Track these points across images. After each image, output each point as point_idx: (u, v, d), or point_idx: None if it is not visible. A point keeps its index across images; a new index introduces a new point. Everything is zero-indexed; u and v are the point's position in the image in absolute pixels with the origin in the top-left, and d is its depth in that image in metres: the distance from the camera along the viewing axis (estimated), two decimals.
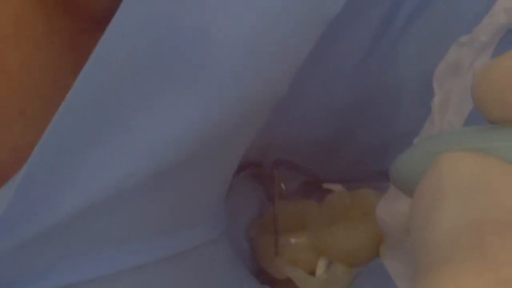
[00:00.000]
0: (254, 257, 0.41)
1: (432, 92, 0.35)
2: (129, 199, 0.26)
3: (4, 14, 0.24)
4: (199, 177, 0.29)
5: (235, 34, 0.26)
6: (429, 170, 0.20)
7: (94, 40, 0.23)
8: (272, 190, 0.39)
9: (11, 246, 0.25)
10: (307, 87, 0.36)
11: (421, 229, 0.19)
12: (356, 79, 0.36)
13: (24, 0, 0.25)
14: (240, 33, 0.26)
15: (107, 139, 0.25)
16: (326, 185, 0.40)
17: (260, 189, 0.41)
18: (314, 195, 0.41)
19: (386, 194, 0.34)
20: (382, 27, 0.35)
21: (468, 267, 0.17)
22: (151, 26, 0.24)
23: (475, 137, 0.20)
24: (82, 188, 0.25)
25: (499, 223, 0.17)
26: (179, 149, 0.26)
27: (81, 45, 0.27)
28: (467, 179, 0.18)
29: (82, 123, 0.24)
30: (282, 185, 0.41)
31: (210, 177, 0.30)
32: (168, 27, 0.24)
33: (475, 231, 0.17)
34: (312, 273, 0.38)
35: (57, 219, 0.25)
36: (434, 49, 0.35)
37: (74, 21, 0.27)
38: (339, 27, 0.34)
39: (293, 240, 0.39)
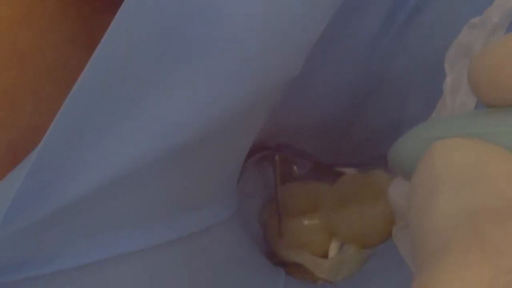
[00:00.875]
0: (266, 240, 0.41)
1: (443, 74, 0.35)
2: (141, 180, 0.26)
3: None
4: (210, 159, 0.29)
5: (246, 11, 0.25)
6: (423, 159, 0.20)
7: (106, 21, 0.23)
8: (281, 173, 0.39)
9: (24, 226, 0.25)
10: (317, 67, 0.36)
11: (419, 219, 0.19)
12: (367, 60, 0.36)
13: None
14: (251, 10, 0.26)
15: (119, 120, 0.25)
16: (338, 168, 0.40)
17: (271, 172, 0.41)
18: (326, 178, 0.41)
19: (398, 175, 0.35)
20: (393, 9, 0.35)
21: (469, 257, 0.16)
22: (162, 6, 0.24)
23: (470, 122, 0.20)
24: (94, 169, 0.25)
25: (498, 211, 0.17)
26: (191, 130, 0.26)
27: (93, 26, 0.27)
28: (462, 167, 0.18)
29: (94, 105, 0.24)
30: (295, 168, 0.41)
31: (222, 158, 0.30)
32: (178, 6, 0.24)
33: (473, 221, 0.17)
34: (325, 255, 0.39)
35: (69, 200, 0.25)
36: (444, 32, 0.35)
37: (86, 2, 0.27)
38: (350, 8, 0.34)
39: (306, 222, 0.39)
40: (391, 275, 0.35)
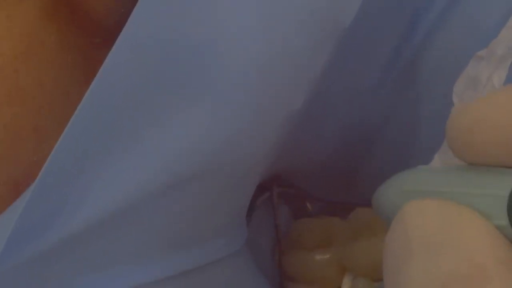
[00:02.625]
0: (279, 273, 0.41)
1: (451, 107, 0.35)
2: (142, 213, 0.27)
3: (16, 32, 0.25)
4: (213, 191, 0.29)
5: (245, 47, 0.26)
6: (395, 220, 0.20)
7: (107, 56, 0.24)
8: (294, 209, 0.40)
9: (22, 261, 0.25)
10: (324, 104, 0.36)
11: (392, 284, 0.19)
12: (374, 96, 0.36)
13: (36, 17, 0.26)
14: (249, 47, 0.26)
15: (118, 152, 0.25)
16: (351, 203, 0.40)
17: (286, 207, 0.42)
18: (339, 213, 0.41)
19: None
20: (400, 44, 0.36)
21: None
22: (160, 40, 0.24)
23: (449, 180, 0.20)
24: (93, 201, 0.25)
25: (467, 279, 0.17)
26: (192, 162, 0.27)
27: (93, 60, 0.27)
28: (433, 231, 0.18)
29: (92, 137, 0.25)
30: (308, 204, 0.41)
31: (226, 191, 0.30)
32: (177, 41, 0.25)
33: None
34: None
35: (68, 234, 0.25)
36: (452, 65, 0.35)
37: (86, 37, 0.27)
38: (356, 44, 0.35)
39: (318, 257, 0.39)
40: None
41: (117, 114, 0.25)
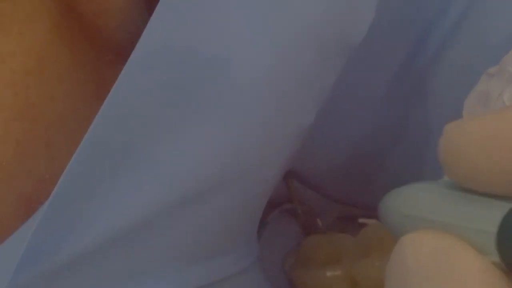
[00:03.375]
0: None
1: None
2: (154, 229, 0.27)
3: (28, 49, 0.25)
4: (225, 207, 0.29)
5: (256, 62, 0.26)
6: (394, 251, 0.20)
7: (118, 72, 0.24)
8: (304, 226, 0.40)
9: (36, 277, 0.25)
10: (335, 116, 0.36)
11: None
12: (384, 110, 0.36)
13: (48, 33, 0.26)
14: (260, 61, 0.26)
15: (131, 168, 0.25)
16: (362, 220, 0.40)
17: (296, 224, 0.42)
18: (349, 229, 0.41)
19: None
20: (410, 59, 0.36)
21: None
22: (172, 56, 0.25)
23: (449, 209, 0.20)
24: (106, 218, 0.26)
25: None
26: (204, 177, 0.27)
27: (105, 76, 0.28)
28: (428, 264, 0.18)
29: (106, 153, 0.25)
30: (318, 221, 0.41)
31: (237, 206, 0.30)
32: (188, 57, 0.25)
33: None
34: None
35: (81, 251, 0.25)
36: (463, 79, 0.35)
37: (98, 53, 0.28)
38: (366, 58, 0.35)
39: (328, 274, 0.39)
40: None
41: (131, 130, 0.25)
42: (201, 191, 0.27)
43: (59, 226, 0.25)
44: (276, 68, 0.26)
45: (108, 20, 0.27)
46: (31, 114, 0.26)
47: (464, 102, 0.35)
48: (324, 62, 0.28)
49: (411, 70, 0.36)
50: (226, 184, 0.28)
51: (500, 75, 0.34)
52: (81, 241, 0.25)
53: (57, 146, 0.27)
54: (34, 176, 0.27)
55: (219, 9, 0.25)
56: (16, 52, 0.25)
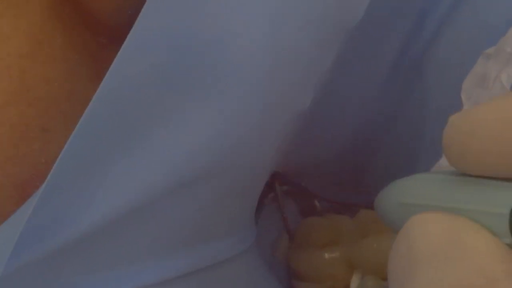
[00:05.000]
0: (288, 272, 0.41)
1: (458, 106, 0.35)
2: (151, 212, 0.27)
3: (23, 32, 0.25)
4: (223, 190, 0.29)
5: (253, 46, 0.26)
6: (400, 234, 0.19)
7: (113, 55, 0.24)
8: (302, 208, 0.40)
9: (32, 262, 0.25)
10: (332, 103, 0.36)
11: None
12: (383, 94, 0.36)
13: (43, 16, 0.26)
14: (257, 45, 0.26)
15: (127, 152, 0.25)
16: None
17: (294, 205, 0.42)
18: (347, 211, 0.41)
19: None
20: (408, 42, 0.36)
21: None
22: (168, 39, 0.24)
23: (448, 195, 0.19)
24: (102, 202, 0.25)
25: None
26: (200, 161, 0.26)
27: (100, 59, 0.27)
28: (440, 243, 0.18)
29: (101, 138, 0.25)
30: (316, 202, 0.42)
31: (235, 189, 0.30)
32: (185, 41, 0.25)
33: None
34: None
35: (78, 234, 0.25)
36: (460, 62, 0.35)
37: (93, 36, 0.27)
38: (364, 43, 0.35)
39: (327, 255, 0.39)
40: None
41: (126, 114, 0.25)
42: (197, 176, 0.27)
43: (55, 210, 0.25)
44: (273, 52, 0.26)
45: (104, 3, 0.27)
46: (26, 98, 0.26)
47: (462, 85, 0.35)
48: (321, 46, 0.28)
49: (408, 55, 0.36)
50: (223, 169, 0.27)
51: (498, 56, 0.34)
52: (76, 226, 0.25)
53: (53, 130, 0.27)
54: (29, 161, 0.26)
55: None
56: (12, 35, 0.25)
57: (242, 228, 0.33)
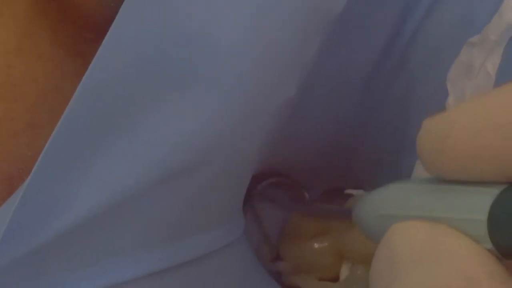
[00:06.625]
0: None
1: (444, 95, 0.35)
2: (138, 205, 0.27)
3: (8, 28, 0.25)
4: (208, 182, 0.29)
5: (236, 37, 0.26)
6: (381, 243, 0.19)
7: (98, 50, 0.24)
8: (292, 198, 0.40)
9: (17, 257, 0.25)
10: (318, 94, 0.36)
11: None
12: (368, 85, 0.36)
13: (28, 13, 0.26)
14: (241, 36, 0.26)
15: (111, 145, 0.25)
16: (348, 191, 0.40)
17: (286, 197, 0.42)
18: (336, 201, 0.41)
19: None
20: (392, 32, 0.36)
21: None
22: (150, 32, 0.25)
23: (427, 204, 0.19)
24: (88, 195, 0.25)
25: None
26: (186, 153, 0.27)
27: (85, 55, 0.27)
28: (421, 247, 0.18)
29: (85, 131, 0.25)
30: (306, 193, 0.42)
31: (221, 182, 0.30)
32: (168, 33, 0.25)
33: None
34: (337, 278, 0.39)
35: (64, 229, 0.25)
36: (445, 52, 0.35)
37: (79, 31, 0.28)
38: (349, 35, 0.35)
39: (316, 245, 0.39)
40: None
41: (109, 108, 0.25)
42: (184, 166, 0.27)
43: (41, 204, 0.25)
44: (256, 44, 0.26)
45: None
46: (12, 94, 0.26)
47: (448, 75, 0.35)
48: (305, 35, 0.28)
49: (393, 46, 0.35)
50: (209, 159, 0.28)
51: (482, 44, 0.34)
52: (64, 218, 0.25)
53: (39, 125, 0.27)
54: (16, 156, 0.27)
55: None
56: None
57: (228, 220, 0.33)
